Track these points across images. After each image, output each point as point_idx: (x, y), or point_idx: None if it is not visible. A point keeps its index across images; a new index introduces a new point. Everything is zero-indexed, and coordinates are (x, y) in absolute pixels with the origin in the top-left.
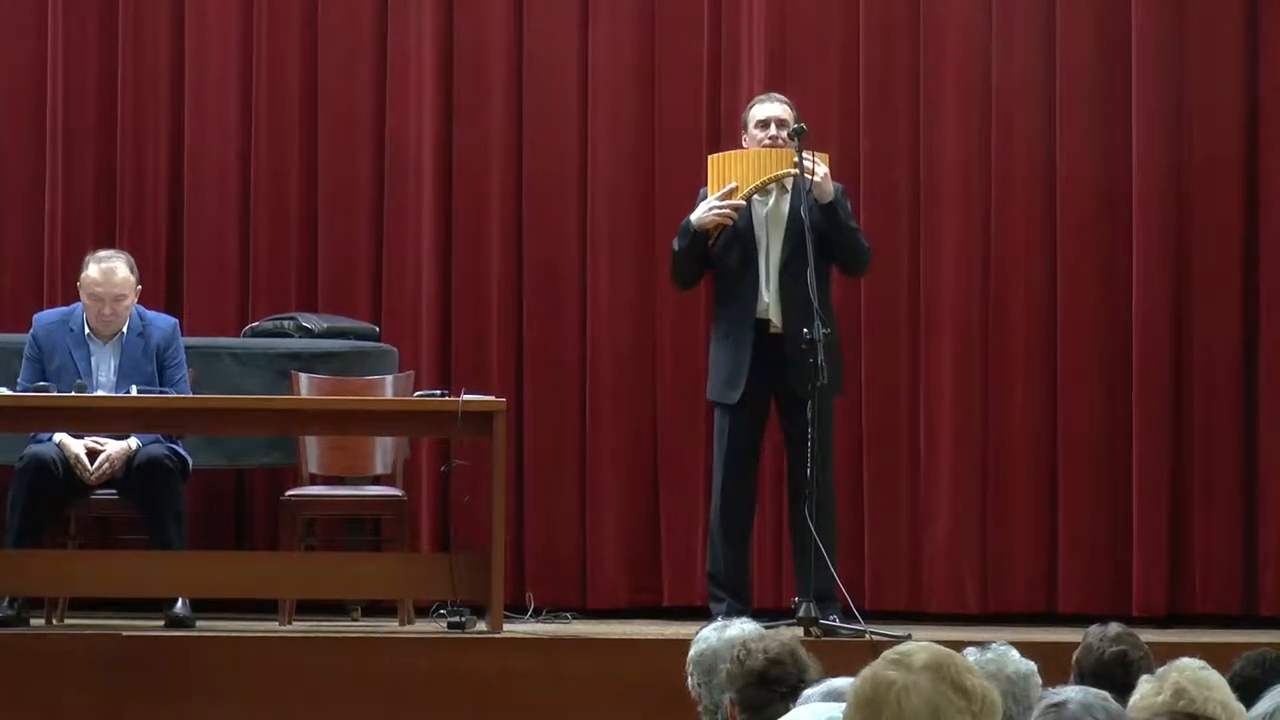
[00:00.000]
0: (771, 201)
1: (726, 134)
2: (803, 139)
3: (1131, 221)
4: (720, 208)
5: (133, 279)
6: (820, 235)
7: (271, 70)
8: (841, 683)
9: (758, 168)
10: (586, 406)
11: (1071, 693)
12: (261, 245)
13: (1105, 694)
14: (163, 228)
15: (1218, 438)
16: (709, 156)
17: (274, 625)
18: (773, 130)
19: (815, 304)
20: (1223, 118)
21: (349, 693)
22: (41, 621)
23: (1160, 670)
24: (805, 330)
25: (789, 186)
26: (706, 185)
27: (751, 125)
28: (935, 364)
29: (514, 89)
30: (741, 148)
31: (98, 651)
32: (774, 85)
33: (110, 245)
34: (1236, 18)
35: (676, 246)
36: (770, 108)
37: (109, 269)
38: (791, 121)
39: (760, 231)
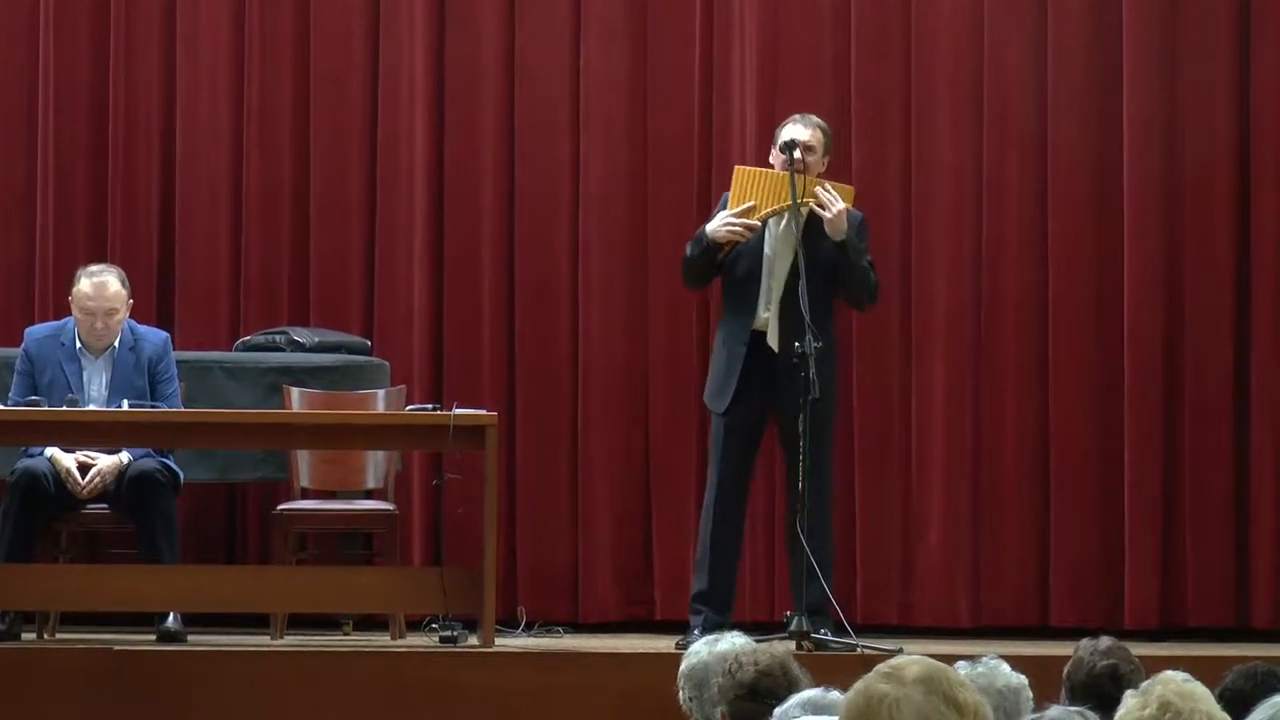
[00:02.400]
0: (785, 220)
1: (718, 147)
2: (792, 153)
3: (1123, 234)
4: (734, 225)
5: (124, 293)
6: (827, 262)
7: (263, 84)
8: (814, 694)
9: (777, 193)
10: (578, 420)
11: (1054, 711)
12: (253, 259)
13: (1084, 710)
14: (154, 242)
15: (1210, 450)
16: (736, 167)
17: (265, 639)
18: (797, 153)
19: (807, 317)
20: (1215, 131)
21: (341, 707)
22: (33, 636)
23: (1144, 684)
24: (796, 343)
25: (804, 212)
26: (729, 192)
27: (778, 144)
28: (927, 377)
29: (506, 102)
30: (770, 163)
31: (89, 666)
32: (766, 96)
33: (102, 259)
34: (1228, 30)
35: (689, 253)
36: (795, 129)
37: (101, 283)
38: (819, 147)
39: (770, 248)
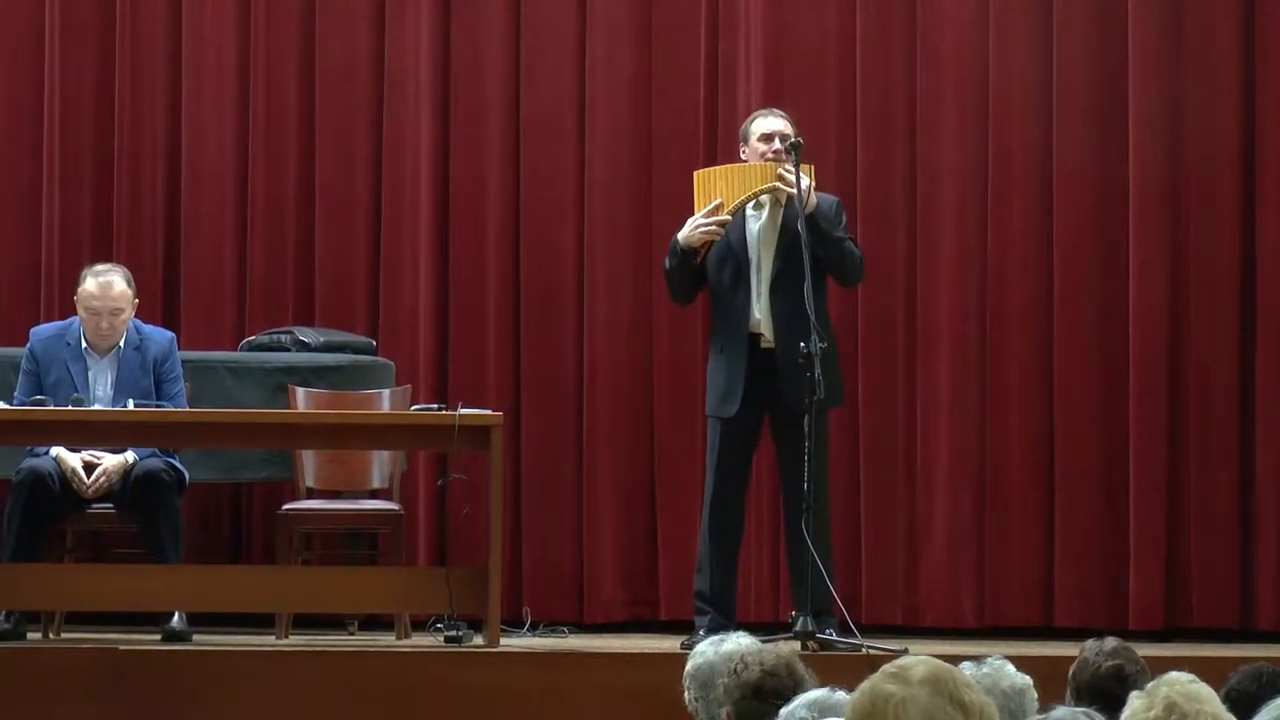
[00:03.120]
0: (765, 216)
1: (724, 147)
2: (799, 153)
3: (1128, 233)
4: (706, 225)
5: (130, 293)
6: (811, 247)
7: (269, 83)
8: (820, 694)
9: (742, 183)
10: (583, 420)
11: (1059, 712)
12: (258, 259)
13: (1089, 710)
14: (160, 241)
15: (1214, 451)
16: (695, 173)
17: (270, 639)
18: (776, 144)
19: (812, 317)
20: (1219, 129)
21: (346, 707)
22: (38, 635)
23: (1150, 685)
24: (802, 344)
25: (783, 200)
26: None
27: (753, 139)
28: (932, 377)
29: (511, 102)
30: (741, 160)
31: (94, 665)
32: (771, 97)
33: (107, 259)
34: (1233, 27)
35: (667, 265)
36: (773, 122)
37: (106, 283)
38: (793, 137)
39: (752, 246)
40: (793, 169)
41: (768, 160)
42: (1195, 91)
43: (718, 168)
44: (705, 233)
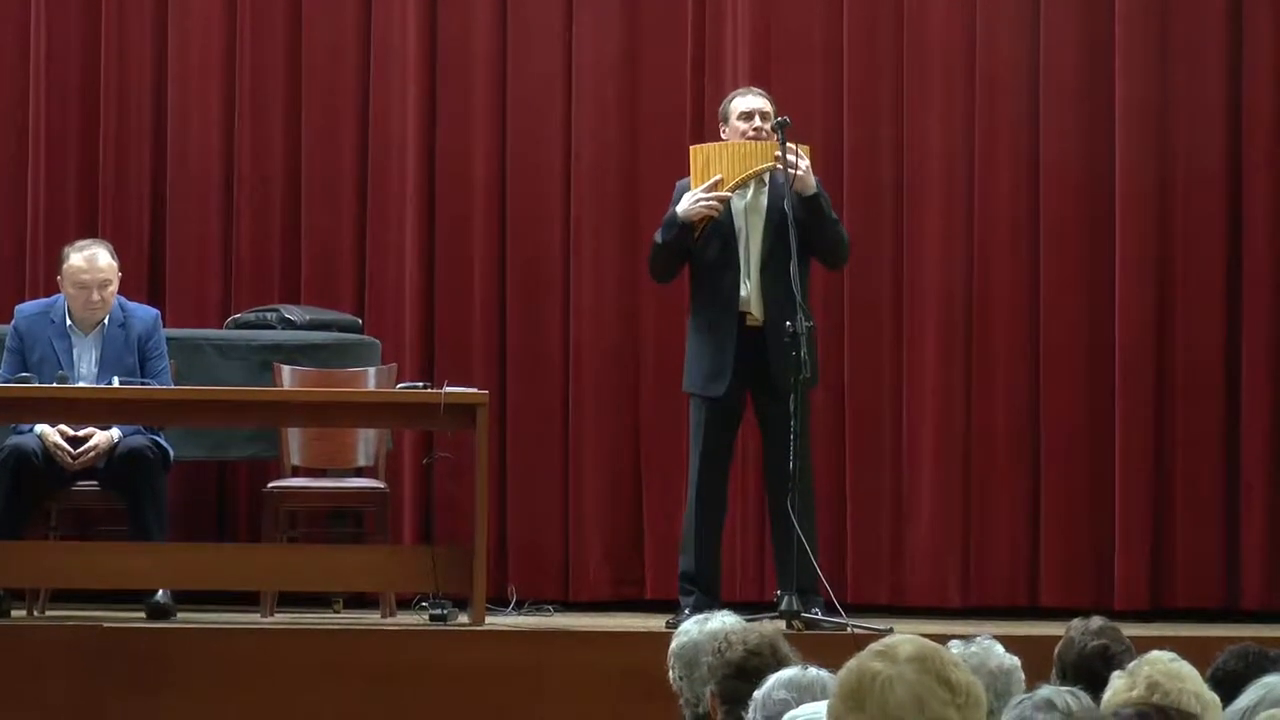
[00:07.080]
0: (750, 194)
1: (710, 125)
2: (786, 132)
3: (1115, 216)
4: (707, 199)
5: (115, 265)
6: (801, 228)
7: (255, 61)
8: (793, 673)
9: (742, 160)
10: (569, 399)
11: (1044, 691)
12: (244, 237)
13: (1075, 689)
14: (145, 218)
15: (1200, 431)
16: (691, 148)
17: (255, 617)
18: (756, 122)
19: (799, 297)
20: (1206, 117)
21: (330, 685)
22: (22, 612)
23: (1131, 665)
24: (789, 323)
25: (767, 180)
26: (688, 176)
27: (734, 117)
28: (918, 358)
29: (497, 81)
30: (721, 139)
31: (78, 642)
32: (758, 78)
33: (93, 237)
34: (1221, 14)
35: (660, 239)
36: (753, 100)
37: (91, 255)
38: (773, 115)
39: (740, 224)
40: (790, 149)
41: (749, 138)
42: (1182, 74)
43: (715, 144)
44: (706, 207)
